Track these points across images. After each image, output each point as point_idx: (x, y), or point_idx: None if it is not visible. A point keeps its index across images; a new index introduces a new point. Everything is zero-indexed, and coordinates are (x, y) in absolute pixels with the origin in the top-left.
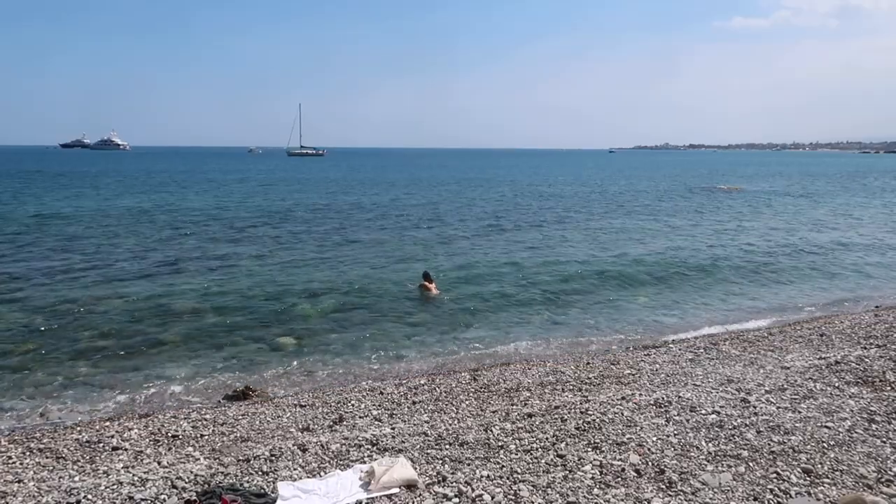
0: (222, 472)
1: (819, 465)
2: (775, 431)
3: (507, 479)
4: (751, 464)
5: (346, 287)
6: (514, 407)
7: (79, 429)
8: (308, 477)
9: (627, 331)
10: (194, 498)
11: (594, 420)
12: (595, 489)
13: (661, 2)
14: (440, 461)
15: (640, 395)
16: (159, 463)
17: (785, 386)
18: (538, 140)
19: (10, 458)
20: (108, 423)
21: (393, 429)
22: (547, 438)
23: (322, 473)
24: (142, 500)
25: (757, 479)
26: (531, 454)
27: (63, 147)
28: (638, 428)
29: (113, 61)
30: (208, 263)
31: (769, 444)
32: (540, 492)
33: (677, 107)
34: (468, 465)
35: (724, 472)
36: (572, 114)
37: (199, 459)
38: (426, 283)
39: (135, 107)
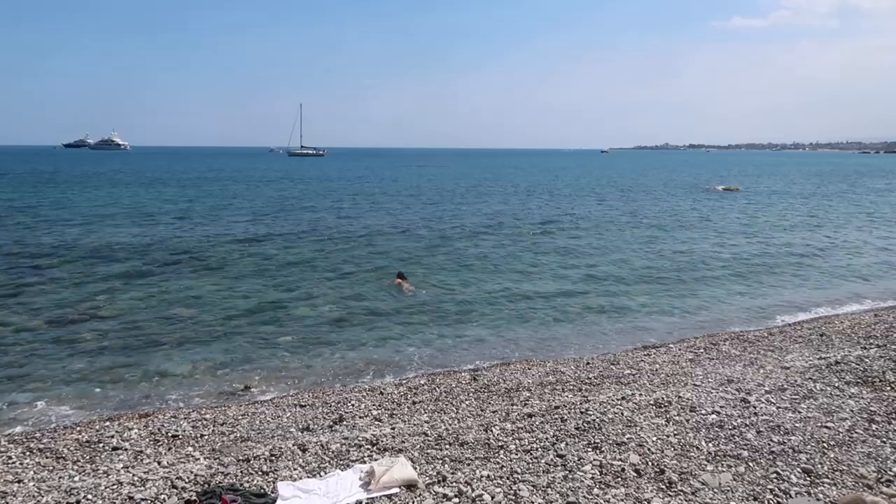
0: (222, 472)
1: (819, 465)
2: (775, 431)
3: (507, 479)
4: (751, 464)
5: (346, 287)
6: (514, 407)
7: (79, 429)
8: (308, 477)
9: (627, 331)
10: (194, 498)
11: (594, 420)
12: (595, 489)
13: (660, 2)
14: (440, 461)
15: (640, 395)
16: (159, 463)
17: (785, 386)
18: (538, 140)
19: (10, 458)
20: (108, 423)
21: (393, 429)
22: (547, 438)
23: (322, 473)
24: (142, 500)
25: (757, 479)
26: (531, 454)
27: (66, 147)
28: (638, 428)
29: (113, 62)
30: (208, 263)
31: (769, 444)
32: (540, 492)
33: (677, 107)
34: (468, 465)
35: (724, 472)
36: (572, 114)
37: (199, 459)
38: (399, 280)
39: (135, 107)
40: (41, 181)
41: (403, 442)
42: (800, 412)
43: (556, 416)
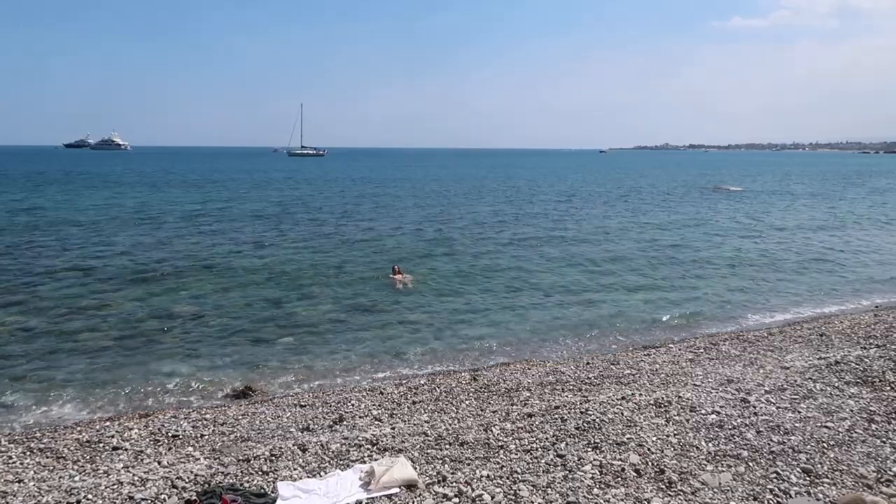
0: (222, 472)
1: (819, 465)
2: (775, 431)
3: (507, 478)
4: (751, 464)
5: (346, 287)
6: (514, 407)
7: (79, 429)
8: (308, 477)
9: (627, 331)
10: (194, 498)
11: (594, 420)
12: (595, 489)
13: (660, 2)
14: (440, 461)
15: (640, 395)
16: (159, 463)
17: (785, 386)
18: (538, 140)
19: (10, 458)
20: (108, 423)
21: (393, 429)
22: (547, 438)
23: (322, 473)
24: (142, 499)
25: (757, 479)
26: (531, 454)
27: (67, 147)
28: (638, 428)
29: (114, 62)
30: (209, 264)
31: (769, 444)
32: (540, 492)
33: (677, 107)
34: (468, 464)
35: (723, 471)
36: (572, 114)
37: (199, 459)
38: (393, 275)
39: (135, 107)
40: (44, 182)
41: (403, 442)
42: (799, 412)
43: (556, 416)
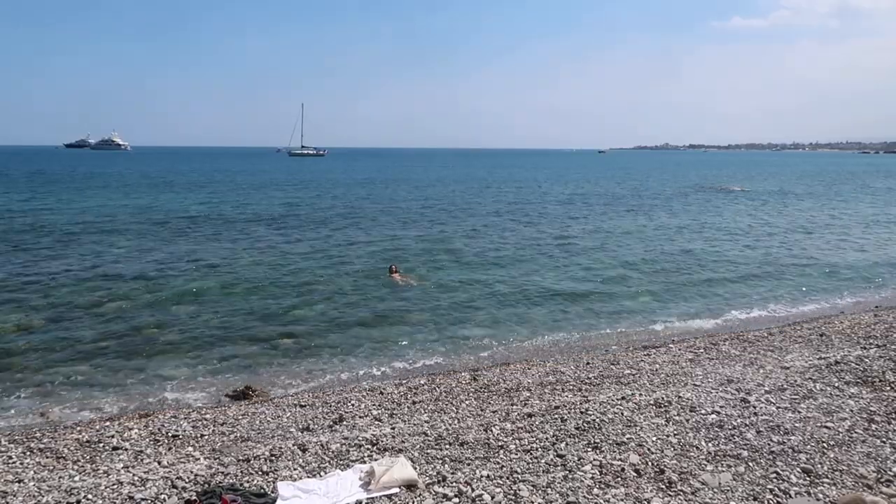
0: (222, 472)
1: (819, 465)
2: (775, 431)
3: (507, 478)
4: (750, 464)
5: (346, 287)
6: (514, 407)
7: (79, 429)
8: (308, 477)
9: (627, 331)
10: (194, 498)
11: (594, 420)
12: (595, 489)
13: (660, 2)
14: (440, 461)
15: (640, 395)
16: (159, 463)
17: (785, 386)
18: (539, 140)
19: (10, 457)
20: (108, 423)
21: (393, 429)
22: (547, 438)
23: (322, 473)
24: (142, 499)
25: (757, 479)
26: (531, 454)
27: (67, 147)
28: (638, 428)
29: (114, 62)
30: (209, 263)
31: (769, 444)
32: (540, 492)
33: (677, 107)
34: (468, 464)
35: (723, 471)
36: (572, 114)
37: (199, 459)
38: (391, 275)
39: (135, 107)
40: (45, 182)
41: (403, 442)
42: (799, 412)
43: (556, 416)
